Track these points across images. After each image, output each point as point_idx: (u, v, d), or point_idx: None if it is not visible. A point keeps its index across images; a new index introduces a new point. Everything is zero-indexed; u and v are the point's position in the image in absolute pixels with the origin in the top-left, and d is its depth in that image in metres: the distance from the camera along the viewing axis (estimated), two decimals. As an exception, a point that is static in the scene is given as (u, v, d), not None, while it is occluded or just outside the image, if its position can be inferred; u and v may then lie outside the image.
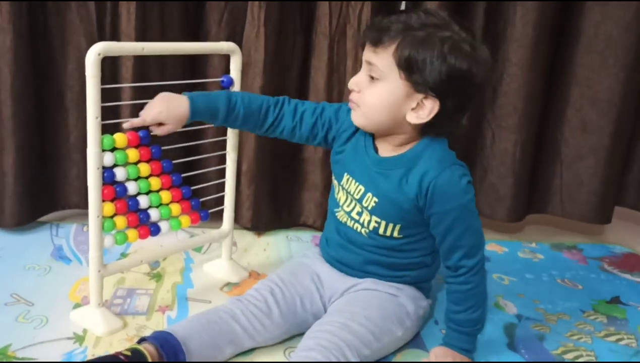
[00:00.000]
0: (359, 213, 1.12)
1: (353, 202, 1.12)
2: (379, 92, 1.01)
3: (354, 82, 1.05)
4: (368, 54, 1.02)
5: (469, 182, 1.05)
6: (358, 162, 1.11)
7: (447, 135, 1.08)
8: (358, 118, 1.07)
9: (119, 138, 1.08)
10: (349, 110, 1.12)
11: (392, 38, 0.98)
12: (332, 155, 1.18)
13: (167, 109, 1.06)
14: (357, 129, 1.13)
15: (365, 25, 1.46)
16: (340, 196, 1.15)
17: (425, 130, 1.05)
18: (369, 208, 1.09)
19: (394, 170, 1.07)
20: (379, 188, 1.08)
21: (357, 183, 1.11)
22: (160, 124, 1.08)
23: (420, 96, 0.99)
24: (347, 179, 1.13)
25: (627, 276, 1.54)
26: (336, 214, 1.17)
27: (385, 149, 1.10)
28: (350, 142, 1.14)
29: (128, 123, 1.07)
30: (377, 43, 1.00)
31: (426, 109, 1.00)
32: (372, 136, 1.11)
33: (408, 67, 0.97)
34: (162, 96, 1.08)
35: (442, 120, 1.02)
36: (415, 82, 0.98)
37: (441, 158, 1.05)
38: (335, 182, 1.17)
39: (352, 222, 1.13)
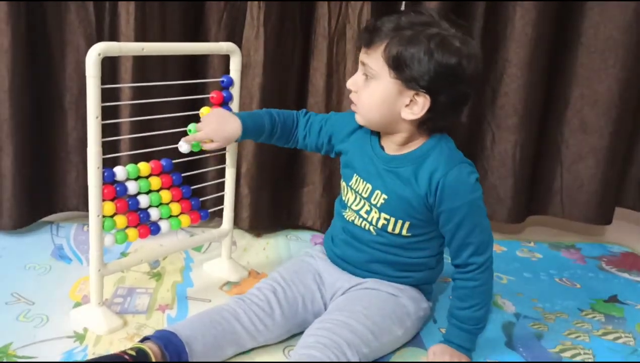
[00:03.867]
0: (368, 212, 1.12)
1: (362, 201, 1.13)
2: (373, 91, 1.04)
3: (351, 82, 1.08)
4: (362, 55, 1.05)
5: (477, 179, 1.06)
6: (365, 162, 1.13)
7: (447, 131, 1.10)
8: (359, 118, 1.10)
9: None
10: (350, 115, 1.14)
11: (382, 38, 1.01)
12: (341, 161, 1.20)
13: (220, 128, 1.14)
14: (354, 131, 1.16)
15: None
16: (349, 197, 1.16)
17: (423, 126, 1.06)
18: (378, 205, 1.10)
19: (403, 168, 1.08)
20: (387, 186, 1.09)
21: (365, 182, 1.12)
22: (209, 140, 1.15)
23: (411, 93, 1.01)
24: (356, 179, 1.14)
25: (625, 275, 1.54)
26: (343, 214, 1.18)
27: (391, 148, 1.11)
28: (353, 144, 1.16)
29: (184, 140, 1.14)
30: (369, 44, 1.03)
31: (419, 105, 1.02)
32: (378, 135, 1.13)
33: (397, 65, 1.00)
34: (217, 114, 1.17)
35: (437, 116, 1.04)
36: (404, 80, 1.00)
37: (449, 156, 1.06)
38: (343, 184, 1.19)
39: (361, 220, 1.14)
